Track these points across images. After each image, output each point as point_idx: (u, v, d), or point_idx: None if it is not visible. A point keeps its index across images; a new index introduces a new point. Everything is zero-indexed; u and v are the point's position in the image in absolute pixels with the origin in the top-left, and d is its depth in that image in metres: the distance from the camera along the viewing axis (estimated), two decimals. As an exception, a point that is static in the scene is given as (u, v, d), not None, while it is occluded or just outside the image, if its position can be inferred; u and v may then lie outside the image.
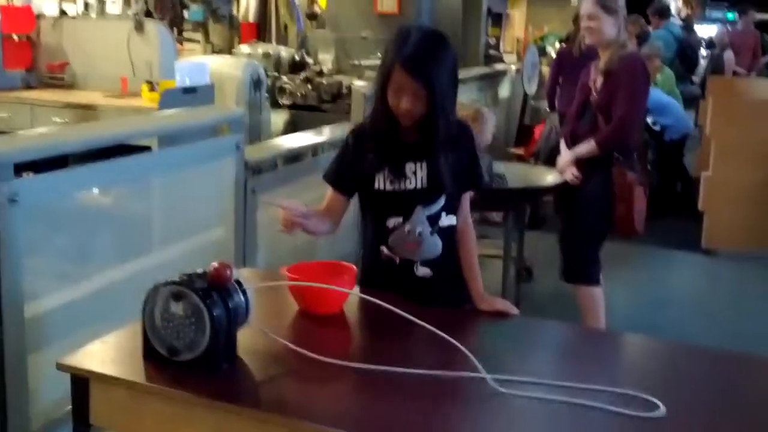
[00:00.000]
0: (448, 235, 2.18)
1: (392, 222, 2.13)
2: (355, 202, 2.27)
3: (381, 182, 2.12)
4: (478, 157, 2.27)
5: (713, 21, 14.20)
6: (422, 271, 2.16)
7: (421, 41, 2.02)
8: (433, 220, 2.14)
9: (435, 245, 2.15)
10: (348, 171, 2.18)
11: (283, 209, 2.03)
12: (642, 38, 8.75)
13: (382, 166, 2.11)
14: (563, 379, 1.64)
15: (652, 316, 4.53)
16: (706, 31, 14.19)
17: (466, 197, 2.25)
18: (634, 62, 3.44)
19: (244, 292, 1.69)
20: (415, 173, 2.11)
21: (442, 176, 2.10)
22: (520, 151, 6.65)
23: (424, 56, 2.00)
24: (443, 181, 2.11)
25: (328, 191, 2.23)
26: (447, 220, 2.17)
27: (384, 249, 2.16)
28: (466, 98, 5.84)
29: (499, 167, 3.75)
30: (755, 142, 5.65)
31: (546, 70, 6.88)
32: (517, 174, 3.87)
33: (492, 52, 8.89)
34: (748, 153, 5.64)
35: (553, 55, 7.47)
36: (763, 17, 18.05)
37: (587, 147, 3.46)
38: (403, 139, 2.12)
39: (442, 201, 2.15)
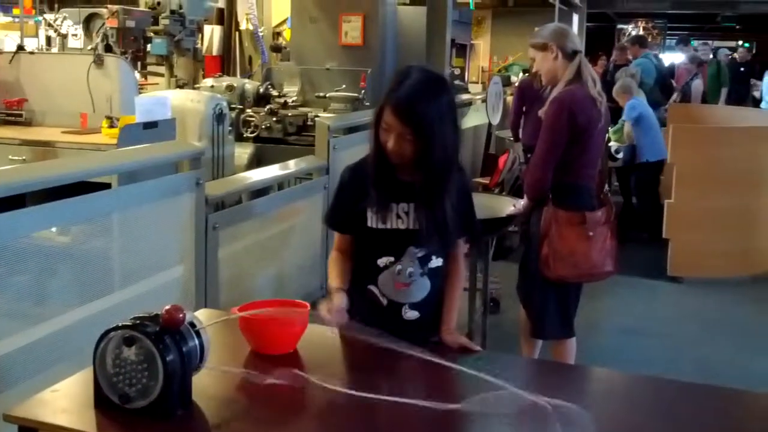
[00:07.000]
0: (436, 276, 2.17)
1: (383, 261, 2.13)
2: (330, 237, 2.24)
3: (373, 219, 2.11)
4: (473, 205, 2.24)
5: (673, 49, 14.55)
6: (410, 314, 2.14)
7: (415, 84, 2.01)
8: (423, 261, 2.13)
9: (424, 287, 2.15)
10: (346, 210, 2.17)
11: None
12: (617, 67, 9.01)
13: (374, 202, 2.10)
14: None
15: (619, 344, 4.54)
16: (666, 59, 14.54)
17: (461, 243, 2.23)
18: (553, 105, 3.19)
19: (198, 335, 1.65)
20: (407, 213, 2.11)
21: (431, 219, 2.08)
22: (485, 180, 6.66)
23: (414, 100, 1.99)
24: (433, 224, 2.08)
25: (336, 233, 2.25)
26: (436, 262, 2.16)
27: (372, 288, 2.15)
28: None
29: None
30: (716, 168, 5.68)
31: (511, 99, 6.93)
32: (480, 204, 3.82)
33: (457, 82, 8.98)
34: (710, 179, 5.67)
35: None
36: (720, 45, 18.48)
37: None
38: (400, 178, 2.11)
39: (432, 243, 2.13)
